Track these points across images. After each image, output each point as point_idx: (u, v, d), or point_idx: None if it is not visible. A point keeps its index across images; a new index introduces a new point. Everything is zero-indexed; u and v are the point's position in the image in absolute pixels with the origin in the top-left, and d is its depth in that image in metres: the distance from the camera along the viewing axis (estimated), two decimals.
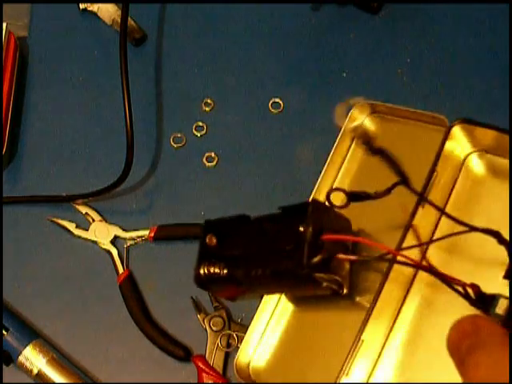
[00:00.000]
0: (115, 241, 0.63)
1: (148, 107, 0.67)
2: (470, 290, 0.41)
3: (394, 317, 0.46)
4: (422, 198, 0.45)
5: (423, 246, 0.45)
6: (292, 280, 0.43)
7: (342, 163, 0.53)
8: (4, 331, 0.58)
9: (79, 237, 0.63)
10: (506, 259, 0.41)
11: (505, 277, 0.42)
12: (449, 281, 0.41)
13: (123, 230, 0.63)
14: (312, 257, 0.40)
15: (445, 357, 0.35)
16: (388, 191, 0.42)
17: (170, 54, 0.69)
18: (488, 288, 0.41)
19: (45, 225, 0.64)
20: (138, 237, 0.62)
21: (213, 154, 0.65)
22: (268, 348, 0.50)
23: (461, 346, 0.35)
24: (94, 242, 0.63)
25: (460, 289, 0.40)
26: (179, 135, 0.66)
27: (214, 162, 0.65)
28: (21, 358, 0.58)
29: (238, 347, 0.59)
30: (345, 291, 0.44)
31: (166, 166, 0.65)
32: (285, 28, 0.69)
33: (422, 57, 0.67)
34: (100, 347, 0.61)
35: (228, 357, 0.60)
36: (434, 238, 0.47)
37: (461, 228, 0.43)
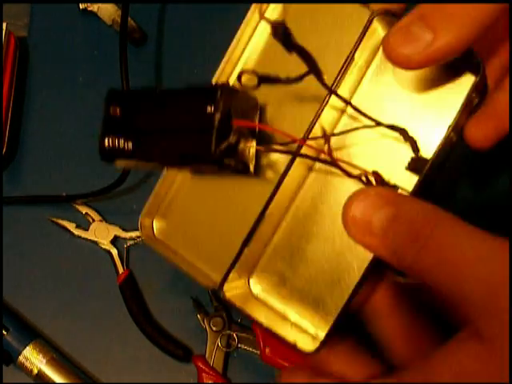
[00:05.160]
0: (115, 241, 0.63)
1: None
2: (371, 178, 0.41)
3: (293, 195, 0.46)
4: (330, 92, 0.43)
5: (327, 137, 0.44)
6: (198, 162, 0.42)
7: (248, 43, 0.51)
8: (4, 331, 0.58)
9: (79, 237, 0.63)
10: (409, 155, 0.41)
11: (408, 168, 0.42)
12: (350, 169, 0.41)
13: (123, 229, 0.63)
14: (220, 143, 0.40)
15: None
16: (300, 78, 0.41)
17: (169, 54, 0.69)
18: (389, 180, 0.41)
19: (45, 225, 0.64)
20: (138, 237, 0.62)
21: None
22: (171, 211, 0.50)
23: (372, 219, 0.33)
24: (94, 242, 0.63)
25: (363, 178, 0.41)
26: None
27: None
28: (21, 358, 0.58)
29: (238, 347, 0.60)
30: (251, 170, 0.44)
31: None
32: None
33: None
34: (100, 347, 0.61)
35: (228, 357, 0.60)
36: (340, 131, 0.45)
37: (367, 122, 0.42)
